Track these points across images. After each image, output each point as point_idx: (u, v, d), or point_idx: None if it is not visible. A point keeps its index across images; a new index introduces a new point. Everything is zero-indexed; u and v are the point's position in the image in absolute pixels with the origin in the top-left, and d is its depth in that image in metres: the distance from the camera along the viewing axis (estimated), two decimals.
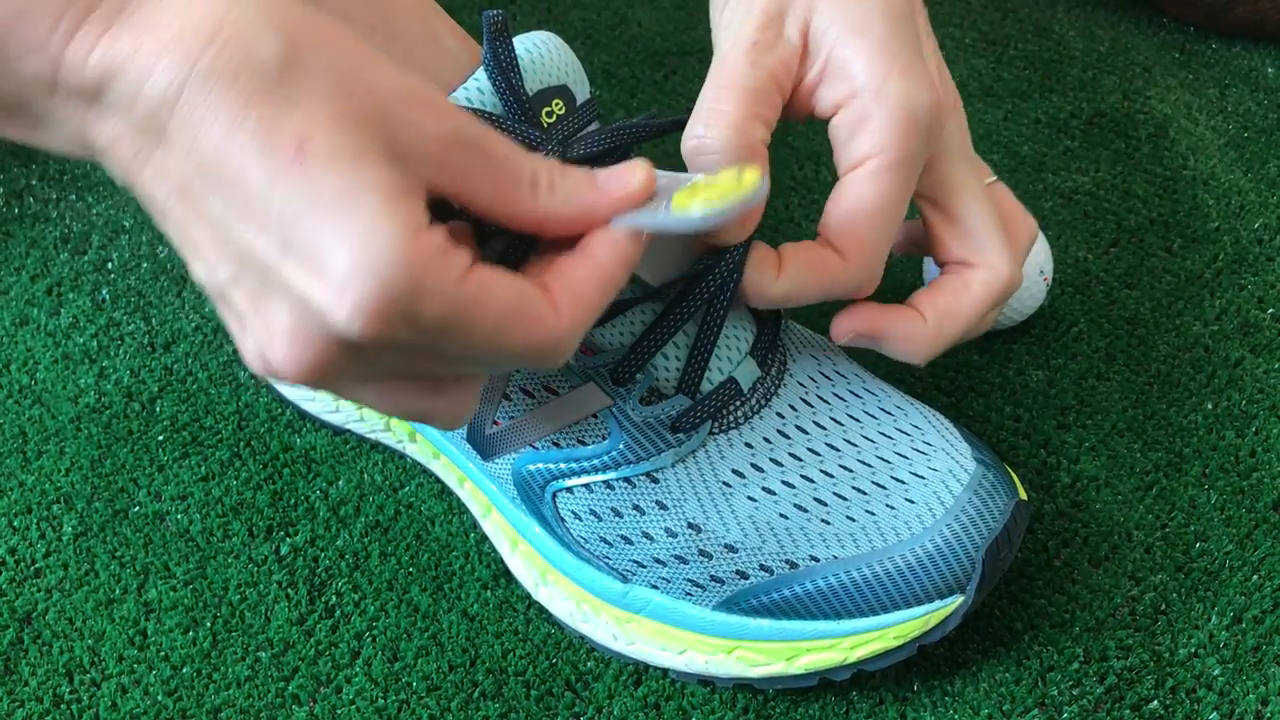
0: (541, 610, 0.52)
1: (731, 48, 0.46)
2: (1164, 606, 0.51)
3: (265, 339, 0.35)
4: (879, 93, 0.44)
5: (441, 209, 0.37)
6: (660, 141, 0.71)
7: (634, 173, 0.39)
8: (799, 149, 0.70)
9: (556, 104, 0.45)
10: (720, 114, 0.45)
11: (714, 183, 0.40)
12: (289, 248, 0.33)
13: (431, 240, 0.34)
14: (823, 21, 0.46)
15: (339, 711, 0.49)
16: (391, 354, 0.35)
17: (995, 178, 0.52)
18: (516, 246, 0.42)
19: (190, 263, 0.37)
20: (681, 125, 0.47)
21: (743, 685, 0.49)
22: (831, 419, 0.49)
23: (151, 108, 0.33)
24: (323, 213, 0.33)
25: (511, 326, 0.35)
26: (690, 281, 0.47)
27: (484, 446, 0.50)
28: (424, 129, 0.35)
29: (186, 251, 0.36)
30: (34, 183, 0.70)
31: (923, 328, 0.47)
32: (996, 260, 0.47)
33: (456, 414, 0.39)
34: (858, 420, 0.49)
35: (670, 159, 0.72)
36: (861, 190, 0.45)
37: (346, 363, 0.35)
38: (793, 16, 0.46)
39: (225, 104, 0.33)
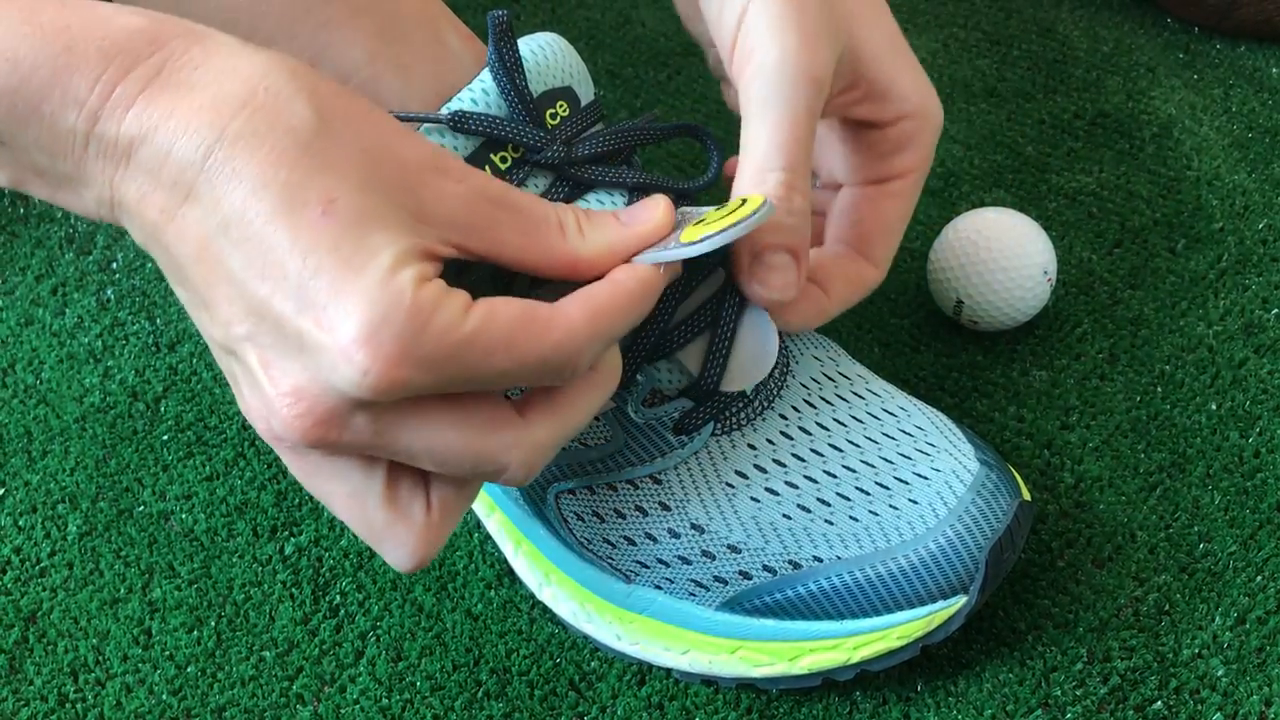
0: (545, 610, 0.52)
1: (793, 91, 0.44)
2: (1168, 607, 0.51)
3: (271, 398, 0.35)
4: (924, 113, 0.47)
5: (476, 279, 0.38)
6: (662, 144, 0.71)
7: (656, 207, 0.40)
8: None
9: (561, 106, 0.45)
10: (802, 182, 0.44)
11: (722, 211, 0.41)
12: (305, 304, 0.34)
13: (433, 286, 0.34)
14: (866, 39, 0.46)
15: (343, 711, 0.49)
16: (413, 407, 0.35)
17: None
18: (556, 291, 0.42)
19: (204, 324, 0.37)
20: (685, 132, 0.48)
21: (746, 685, 0.49)
22: (835, 420, 0.49)
23: (180, 168, 0.34)
24: (340, 270, 0.33)
25: (520, 335, 0.35)
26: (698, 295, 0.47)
27: None
28: (447, 193, 0.36)
29: (201, 313, 0.37)
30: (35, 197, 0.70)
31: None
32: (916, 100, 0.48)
33: (528, 450, 0.37)
34: (861, 421, 0.49)
35: (674, 159, 0.72)
36: (896, 204, 0.47)
37: (355, 424, 0.35)
38: (836, 38, 0.45)
39: (253, 163, 0.34)
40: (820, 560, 0.46)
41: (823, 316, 0.48)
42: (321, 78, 0.36)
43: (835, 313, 0.48)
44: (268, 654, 0.51)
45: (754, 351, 0.47)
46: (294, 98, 0.35)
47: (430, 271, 0.35)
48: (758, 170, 0.44)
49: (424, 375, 0.34)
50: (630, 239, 0.40)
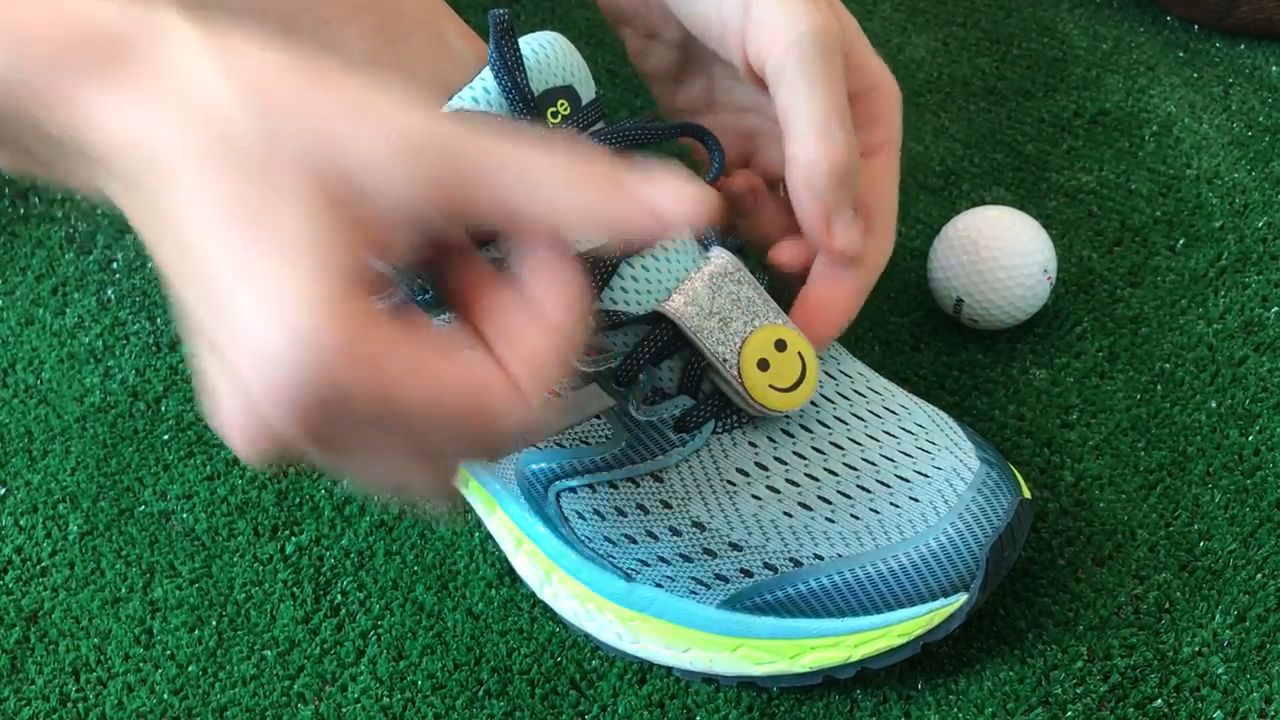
0: (546, 609, 0.52)
1: (829, 60, 0.46)
2: (1168, 605, 0.51)
3: (218, 407, 0.34)
4: (887, 87, 0.50)
5: None
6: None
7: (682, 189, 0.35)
8: None
9: (562, 104, 0.45)
10: (856, 139, 0.47)
11: (784, 364, 0.45)
12: (219, 313, 0.33)
13: (361, 303, 0.32)
14: (841, 15, 0.49)
15: (344, 710, 0.50)
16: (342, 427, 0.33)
17: None
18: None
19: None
20: (687, 132, 0.48)
21: (747, 683, 0.49)
22: (835, 418, 0.49)
23: (130, 174, 0.34)
24: (255, 281, 0.32)
25: (467, 421, 0.33)
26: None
27: None
28: (398, 182, 0.33)
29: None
30: (40, 182, 0.70)
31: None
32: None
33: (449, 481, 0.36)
34: (862, 419, 0.49)
35: (676, 158, 0.72)
36: (885, 174, 0.50)
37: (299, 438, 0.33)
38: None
39: (190, 177, 0.33)
40: (821, 558, 0.46)
41: (867, 288, 0.50)
42: (270, 58, 0.34)
43: (871, 284, 0.50)
44: (269, 653, 0.51)
45: None
46: (239, 108, 0.33)
47: (354, 295, 0.32)
48: (821, 133, 0.46)
49: (337, 423, 0.32)
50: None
